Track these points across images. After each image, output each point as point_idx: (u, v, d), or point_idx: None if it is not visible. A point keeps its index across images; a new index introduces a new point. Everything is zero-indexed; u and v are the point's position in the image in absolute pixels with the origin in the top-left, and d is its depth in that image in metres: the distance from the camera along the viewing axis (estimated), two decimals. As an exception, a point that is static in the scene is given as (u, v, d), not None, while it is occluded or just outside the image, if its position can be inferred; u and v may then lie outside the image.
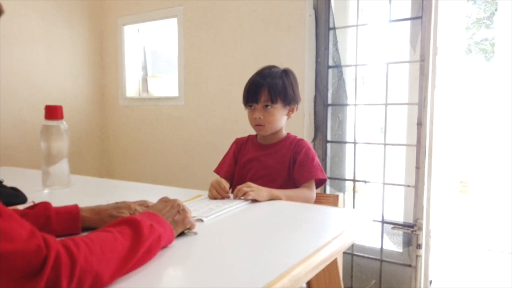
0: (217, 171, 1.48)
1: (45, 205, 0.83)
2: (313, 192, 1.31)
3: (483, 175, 4.18)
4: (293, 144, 1.37)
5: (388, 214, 2.01)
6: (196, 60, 2.57)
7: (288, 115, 1.39)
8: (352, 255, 2.09)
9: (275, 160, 1.37)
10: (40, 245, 0.48)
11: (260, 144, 1.43)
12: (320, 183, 1.36)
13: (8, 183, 1.23)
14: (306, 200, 1.26)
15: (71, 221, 0.83)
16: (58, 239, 0.53)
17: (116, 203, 0.92)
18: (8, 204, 1.05)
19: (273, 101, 1.30)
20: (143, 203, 0.94)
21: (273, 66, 1.39)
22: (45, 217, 0.81)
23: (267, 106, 1.31)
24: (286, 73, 1.37)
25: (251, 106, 1.35)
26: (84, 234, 0.61)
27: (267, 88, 1.30)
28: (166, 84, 2.98)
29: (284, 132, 1.43)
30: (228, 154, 1.49)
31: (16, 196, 1.14)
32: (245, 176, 1.39)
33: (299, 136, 1.43)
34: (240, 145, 1.48)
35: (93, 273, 0.54)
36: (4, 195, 1.10)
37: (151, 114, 2.85)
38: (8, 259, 0.46)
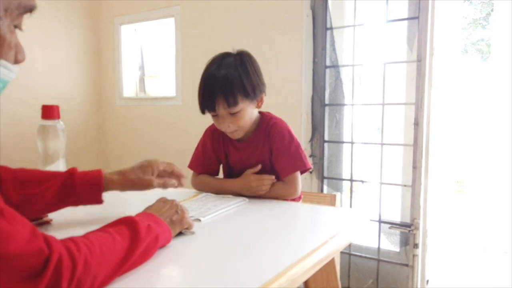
0: (193, 167, 1.33)
1: (71, 173, 0.89)
2: (291, 187, 1.19)
3: (480, 175, 4.19)
4: (267, 133, 1.22)
5: (385, 214, 2.02)
6: (193, 60, 2.56)
7: (258, 106, 1.21)
8: (350, 254, 2.10)
9: (257, 160, 1.23)
10: (41, 247, 0.48)
11: (237, 144, 1.27)
12: (304, 170, 1.23)
13: (4, 183, 1.22)
14: (284, 196, 1.19)
15: (93, 190, 0.89)
16: (58, 239, 0.53)
17: (141, 162, 0.97)
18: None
19: (235, 104, 1.12)
20: (169, 163, 1.00)
21: (225, 56, 1.17)
22: (70, 187, 0.86)
23: (230, 111, 1.13)
24: (242, 62, 1.15)
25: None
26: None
27: (222, 94, 1.11)
28: (163, 84, 2.97)
29: (257, 118, 1.24)
30: (207, 152, 1.31)
31: (12, 196, 1.13)
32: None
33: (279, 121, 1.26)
34: (217, 141, 1.30)
35: (92, 275, 0.54)
36: (0, 195, 1.10)
37: (148, 114, 2.84)
38: (9, 261, 0.45)
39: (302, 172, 1.23)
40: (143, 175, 0.92)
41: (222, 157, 1.31)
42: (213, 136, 1.31)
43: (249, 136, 1.24)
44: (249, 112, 1.17)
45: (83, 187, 0.87)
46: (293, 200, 1.25)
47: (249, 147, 1.24)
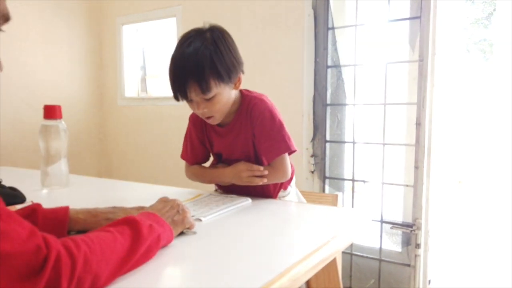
0: (185, 158, 1.29)
1: (33, 208, 0.80)
2: (278, 171, 1.13)
3: (482, 175, 4.18)
4: (248, 115, 1.14)
5: (387, 214, 2.02)
6: (195, 60, 2.56)
7: (236, 87, 1.12)
8: (351, 254, 2.10)
9: (242, 145, 1.17)
10: (39, 245, 0.48)
11: (219, 129, 1.20)
12: (289, 152, 1.16)
13: (6, 183, 1.23)
14: (273, 181, 1.15)
15: (56, 228, 0.79)
16: (58, 239, 0.53)
17: (114, 207, 0.90)
18: (7, 204, 1.05)
19: (208, 89, 1.03)
20: (140, 209, 0.92)
21: (195, 35, 1.05)
22: (32, 222, 0.77)
23: (204, 97, 1.05)
24: (214, 41, 1.04)
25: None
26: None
27: (193, 80, 1.02)
28: (165, 84, 2.97)
29: (237, 99, 1.15)
30: (193, 141, 1.26)
31: (15, 196, 1.14)
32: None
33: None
34: (200, 129, 1.25)
35: (92, 273, 0.54)
36: (2, 195, 1.10)
37: (150, 114, 2.84)
38: (6, 260, 0.45)
39: (289, 154, 1.16)
40: (114, 217, 0.83)
41: (207, 145, 1.26)
42: (194, 124, 1.25)
43: (230, 119, 1.16)
44: (226, 96, 1.08)
45: (45, 226, 0.77)
46: (282, 183, 1.21)
47: (232, 132, 1.17)
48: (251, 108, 1.13)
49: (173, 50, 1.07)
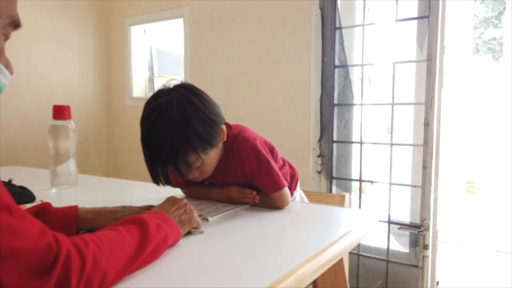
0: (177, 186, 1.21)
1: (42, 208, 0.81)
2: (277, 202, 1.08)
3: (491, 176, 4.14)
4: (235, 155, 1.09)
5: (394, 215, 2.01)
6: (202, 60, 2.57)
7: (222, 140, 1.04)
8: (358, 255, 2.09)
9: (235, 181, 1.13)
10: (50, 243, 0.49)
11: None
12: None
13: (16, 182, 1.24)
14: (274, 208, 1.10)
15: (66, 227, 0.80)
16: (68, 237, 0.53)
17: (123, 206, 0.91)
18: (17, 203, 1.06)
19: (191, 168, 0.97)
20: (148, 208, 0.93)
21: (162, 110, 0.92)
22: (41, 220, 0.78)
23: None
24: (184, 114, 0.92)
25: None
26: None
27: (173, 167, 0.95)
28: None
29: (221, 146, 1.07)
30: (178, 177, 1.15)
31: (24, 195, 1.15)
32: None
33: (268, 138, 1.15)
34: None
35: (101, 272, 0.54)
36: (13, 194, 1.11)
37: (158, 114, 2.86)
38: (17, 257, 0.46)
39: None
40: (122, 216, 0.83)
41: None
42: None
43: (218, 165, 1.10)
44: (213, 157, 1.03)
45: (54, 225, 0.77)
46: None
47: (221, 173, 1.11)
48: (235, 148, 1.08)
49: (141, 125, 0.95)
